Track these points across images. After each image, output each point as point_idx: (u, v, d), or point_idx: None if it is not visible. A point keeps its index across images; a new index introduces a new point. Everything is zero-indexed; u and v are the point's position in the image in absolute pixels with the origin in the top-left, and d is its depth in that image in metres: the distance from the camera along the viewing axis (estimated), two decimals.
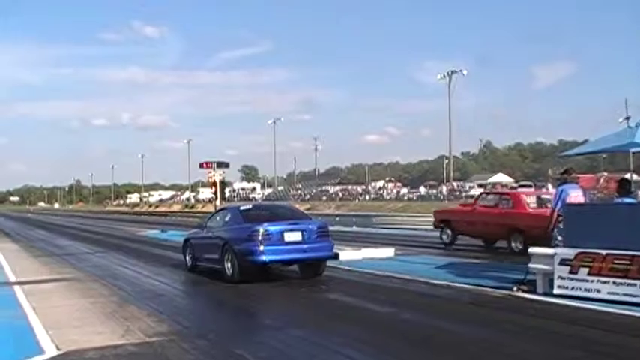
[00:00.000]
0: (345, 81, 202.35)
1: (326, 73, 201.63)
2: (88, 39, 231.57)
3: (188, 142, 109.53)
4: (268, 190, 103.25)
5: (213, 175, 28.33)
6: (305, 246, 11.71)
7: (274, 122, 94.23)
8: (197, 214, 56.31)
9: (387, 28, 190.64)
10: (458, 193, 66.25)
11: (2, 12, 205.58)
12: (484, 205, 18.80)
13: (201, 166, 29.71)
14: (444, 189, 68.69)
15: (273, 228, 11.59)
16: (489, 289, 10.38)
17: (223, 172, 29.06)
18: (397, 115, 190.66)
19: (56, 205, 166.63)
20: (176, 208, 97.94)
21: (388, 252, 16.79)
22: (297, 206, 69.83)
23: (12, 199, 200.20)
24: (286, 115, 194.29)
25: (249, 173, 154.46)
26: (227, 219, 12.85)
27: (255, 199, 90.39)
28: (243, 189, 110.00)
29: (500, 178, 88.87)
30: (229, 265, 11.95)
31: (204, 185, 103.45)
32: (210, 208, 46.09)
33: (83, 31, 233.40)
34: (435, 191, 73.78)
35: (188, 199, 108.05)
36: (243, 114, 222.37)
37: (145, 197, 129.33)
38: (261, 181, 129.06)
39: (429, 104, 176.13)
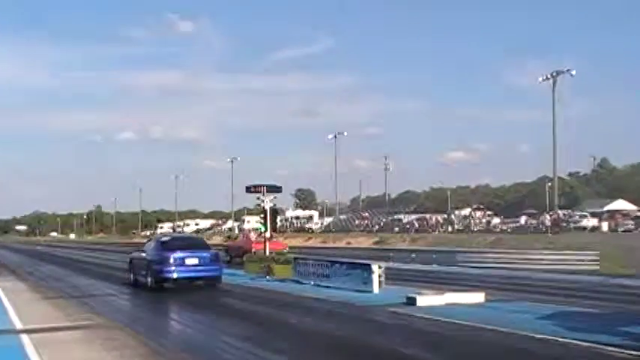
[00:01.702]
0: (423, 87, 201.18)
1: (400, 77, 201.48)
2: (111, 36, 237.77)
3: (231, 160, 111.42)
4: (328, 219, 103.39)
5: (263, 201, 28.57)
6: (200, 268, 20.93)
7: (335, 137, 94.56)
8: None
9: (474, 22, 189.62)
10: (565, 224, 64.68)
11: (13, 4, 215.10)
12: None
13: (248, 189, 29.90)
14: (547, 219, 67.16)
15: (177, 255, 20.80)
16: (612, 349, 9.98)
17: (274, 197, 29.21)
18: (487, 128, 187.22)
19: (72, 236, 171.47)
20: (217, 240, 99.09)
21: (477, 297, 16.50)
22: (362, 238, 69.31)
23: (18, 227, 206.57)
24: (350, 129, 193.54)
25: (305, 198, 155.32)
26: (152, 245, 22.46)
27: (312, 230, 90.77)
28: (297, 217, 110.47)
29: (621, 204, 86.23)
30: (149, 278, 21.25)
31: (250, 212, 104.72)
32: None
33: (106, 26, 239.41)
34: (534, 221, 72.23)
35: (231, 230, 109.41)
36: (298, 127, 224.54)
37: (179, 226, 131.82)
38: (319, 207, 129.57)
39: (528, 114, 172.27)
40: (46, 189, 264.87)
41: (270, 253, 27.90)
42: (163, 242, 22.43)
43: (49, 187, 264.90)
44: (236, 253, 41.04)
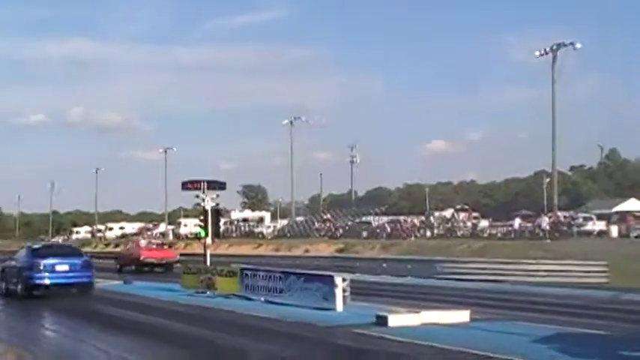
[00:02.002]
0: (397, 62, 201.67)
1: (369, 51, 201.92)
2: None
3: (165, 151, 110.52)
4: (282, 222, 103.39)
5: (203, 200, 28.51)
6: (71, 274, 24.22)
7: (291, 123, 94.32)
8: (181, 257, 56.70)
9: None
10: (566, 228, 65.65)
11: None
12: None
13: (184, 186, 29.70)
14: (545, 222, 68.08)
15: (48, 261, 24.09)
16: None
17: (217, 196, 29.16)
18: (474, 112, 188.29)
19: None
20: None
21: (460, 316, 16.77)
22: (323, 245, 69.36)
23: None
24: (309, 113, 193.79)
25: (255, 197, 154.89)
26: (24, 253, 25.97)
27: (263, 235, 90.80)
28: (245, 220, 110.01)
29: (633, 205, 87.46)
30: (20, 286, 24.22)
31: (188, 214, 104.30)
32: (197, 249, 45.78)
33: None
34: (530, 225, 73.21)
35: (164, 235, 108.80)
36: (246, 110, 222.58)
37: (99, 231, 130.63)
38: (272, 208, 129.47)
39: (522, 95, 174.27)
40: None
41: (212, 264, 27.92)
42: (34, 249, 26.75)
43: None
44: (125, 262, 46.28)
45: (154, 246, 50.24)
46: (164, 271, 42.73)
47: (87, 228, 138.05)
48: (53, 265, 24.39)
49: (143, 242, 52.31)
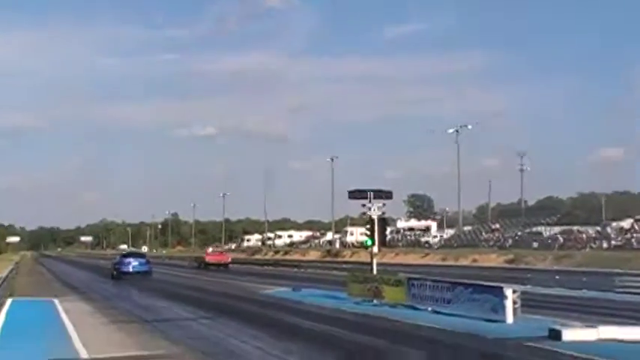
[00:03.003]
0: (571, 64, 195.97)
1: (541, 55, 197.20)
2: (185, 17, 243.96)
3: (331, 159, 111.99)
4: (449, 231, 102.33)
5: (369, 209, 28.51)
6: (139, 266, 47.06)
7: (457, 131, 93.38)
8: (344, 265, 57.12)
9: None
10: None
11: None
12: None
13: (351, 195, 29.88)
14: None
15: (126, 259, 48.81)
16: None
17: (383, 205, 29.08)
18: None
19: (144, 249, 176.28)
20: (314, 255, 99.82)
21: None
22: (492, 255, 68.06)
23: (83, 239, 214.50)
24: (477, 121, 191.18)
25: (420, 206, 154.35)
26: (118, 256, 52.74)
27: (430, 245, 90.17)
28: (411, 229, 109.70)
29: None
30: (114, 272, 47.54)
31: (354, 223, 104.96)
32: (363, 257, 46.43)
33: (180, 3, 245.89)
34: None
35: (331, 243, 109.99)
36: (411, 119, 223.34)
37: (269, 239, 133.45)
38: (438, 217, 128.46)
39: None
40: (115, 194, 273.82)
41: (378, 273, 27.84)
42: (122, 255, 53.05)
43: (118, 191, 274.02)
44: (199, 263, 68.64)
45: (216, 252, 77.90)
46: (224, 269, 61.95)
47: (257, 236, 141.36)
48: (130, 262, 47.38)
49: (210, 249, 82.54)
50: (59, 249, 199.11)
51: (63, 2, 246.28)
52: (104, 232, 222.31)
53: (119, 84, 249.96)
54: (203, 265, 65.66)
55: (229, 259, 69.00)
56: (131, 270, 45.64)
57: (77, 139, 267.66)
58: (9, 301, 27.28)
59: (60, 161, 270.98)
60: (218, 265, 64.74)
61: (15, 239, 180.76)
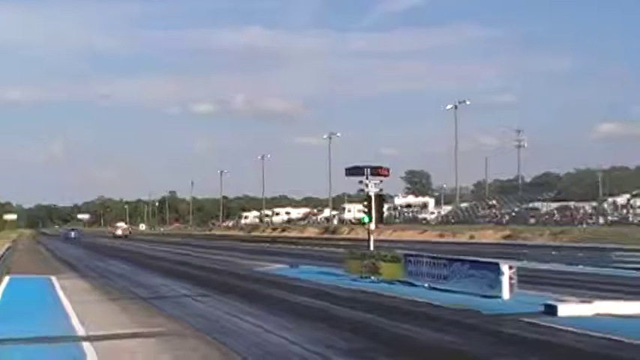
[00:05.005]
0: (574, 39, 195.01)
1: (539, 29, 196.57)
2: None
3: (329, 136, 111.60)
4: (446, 208, 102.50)
5: (366, 186, 28.48)
6: (75, 234, 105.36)
7: (455, 107, 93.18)
8: (341, 242, 57.19)
9: None
10: None
11: None
12: None
13: (348, 172, 29.85)
14: None
15: (70, 231, 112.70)
16: None
17: (380, 182, 29.06)
18: None
19: (142, 227, 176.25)
20: (311, 232, 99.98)
21: (638, 307, 15.93)
22: (489, 232, 68.16)
23: (80, 216, 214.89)
24: (474, 97, 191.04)
25: (418, 182, 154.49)
26: (64, 230, 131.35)
27: (427, 221, 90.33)
28: (408, 206, 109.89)
29: None
30: (64, 238, 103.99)
31: (351, 200, 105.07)
32: (360, 233, 46.53)
33: None
34: None
35: (328, 220, 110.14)
36: (409, 95, 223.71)
37: (266, 216, 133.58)
38: (435, 194, 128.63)
39: None
40: (112, 171, 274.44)
41: (375, 250, 27.88)
42: (67, 230, 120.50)
43: (116, 169, 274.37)
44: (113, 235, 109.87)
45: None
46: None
47: (255, 213, 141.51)
48: (69, 232, 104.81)
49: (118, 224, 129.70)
50: (56, 227, 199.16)
51: None
52: (102, 210, 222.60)
53: (115, 60, 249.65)
54: (113, 236, 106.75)
55: (128, 232, 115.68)
56: (72, 236, 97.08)
57: (73, 115, 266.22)
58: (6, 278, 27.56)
59: (56, 138, 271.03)
60: (124, 236, 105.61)
61: (12, 217, 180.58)
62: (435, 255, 24.21)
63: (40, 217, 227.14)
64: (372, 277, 24.63)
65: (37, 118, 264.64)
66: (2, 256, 33.12)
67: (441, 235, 69.72)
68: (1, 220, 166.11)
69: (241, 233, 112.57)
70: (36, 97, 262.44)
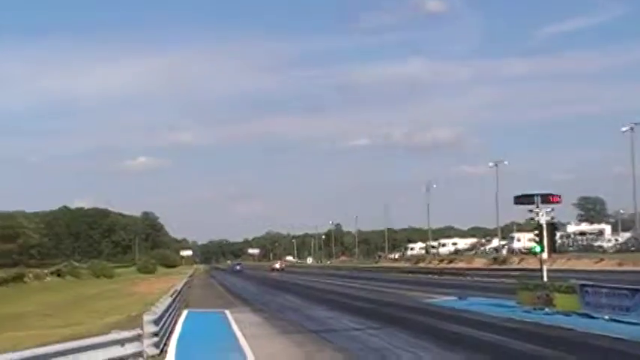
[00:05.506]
0: None
1: None
2: (342, 25, 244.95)
3: (495, 164, 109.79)
4: (625, 235, 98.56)
5: (537, 214, 27.81)
6: (239, 267, 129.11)
7: (632, 129, 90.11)
8: (512, 272, 55.89)
9: None
10: None
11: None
12: None
13: (517, 200, 29.28)
14: None
15: (234, 265, 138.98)
16: None
17: (551, 209, 28.30)
18: None
19: (309, 260, 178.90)
20: (479, 262, 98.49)
21: None
22: None
23: (251, 251, 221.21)
24: None
25: (592, 209, 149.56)
26: (231, 264, 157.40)
27: (604, 249, 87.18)
28: (582, 233, 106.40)
29: None
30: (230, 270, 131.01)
31: (521, 229, 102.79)
32: (532, 264, 45.44)
33: (336, 14, 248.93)
34: None
35: (497, 250, 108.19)
36: (580, 118, 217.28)
37: (432, 247, 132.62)
38: (612, 220, 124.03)
39: None
40: (278, 206, 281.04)
41: (549, 280, 27.05)
42: (233, 263, 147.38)
43: (282, 203, 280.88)
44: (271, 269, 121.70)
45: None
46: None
47: (421, 244, 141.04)
48: (235, 266, 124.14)
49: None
50: (228, 262, 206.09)
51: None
52: (270, 244, 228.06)
53: (276, 99, 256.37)
54: (271, 269, 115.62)
55: (284, 266, 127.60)
56: (237, 269, 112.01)
57: (239, 154, 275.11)
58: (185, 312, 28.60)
59: (225, 176, 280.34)
60: (281, 269, 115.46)
61: (188, 253, 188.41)
62: (615, 285, 23.20)
63: (213, 252, 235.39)
64: (547, 309, 23.88)
65: (209, 158, 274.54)
66: (180, 291, 34.56)
67: (620, 264, 66.71)
68: (178, 256, 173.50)
69: (407, 265, 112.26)
70: (201, 137, 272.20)
